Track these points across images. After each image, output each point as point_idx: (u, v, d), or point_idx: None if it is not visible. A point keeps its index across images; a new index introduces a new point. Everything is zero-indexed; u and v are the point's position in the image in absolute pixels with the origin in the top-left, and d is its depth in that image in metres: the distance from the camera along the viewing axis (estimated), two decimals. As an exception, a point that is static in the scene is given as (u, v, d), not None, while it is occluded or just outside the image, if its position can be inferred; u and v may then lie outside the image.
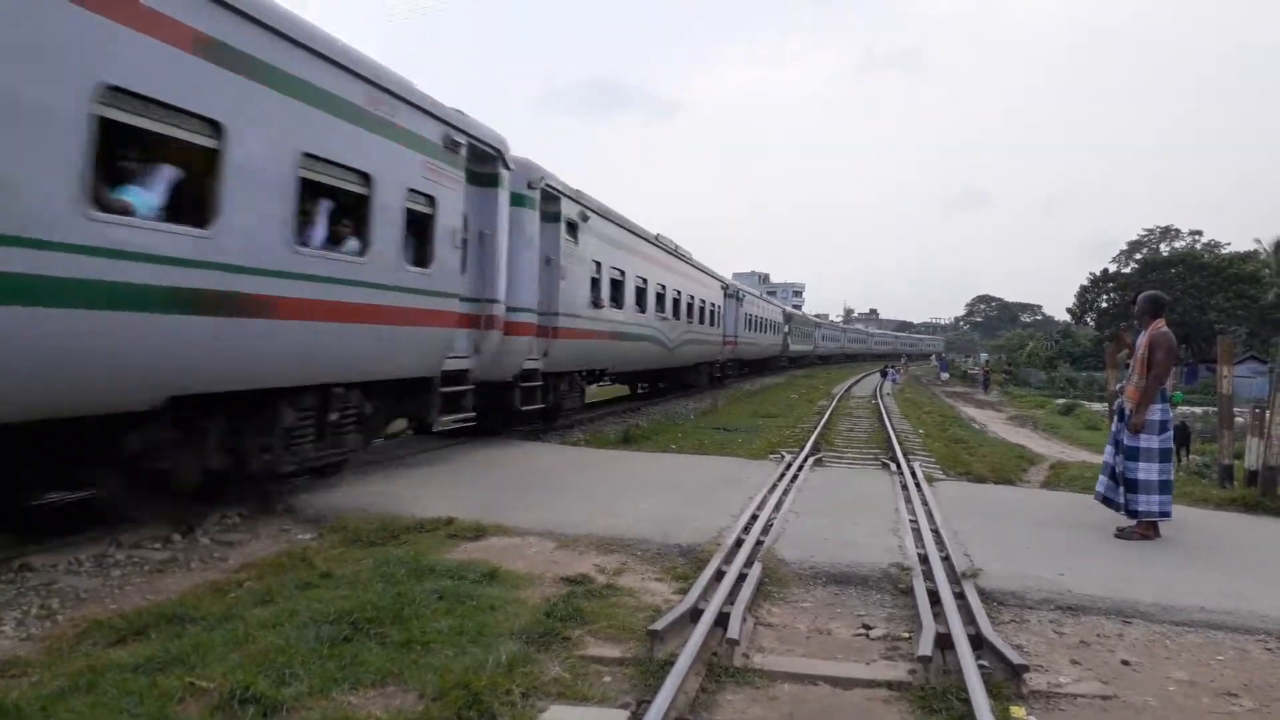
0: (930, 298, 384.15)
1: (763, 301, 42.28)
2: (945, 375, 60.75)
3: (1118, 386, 8.17)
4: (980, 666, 4.21)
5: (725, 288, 29.96)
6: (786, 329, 48.70)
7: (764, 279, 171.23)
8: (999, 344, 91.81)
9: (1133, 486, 7.35)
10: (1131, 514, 7.39)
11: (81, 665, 3.91)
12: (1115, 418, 7.89)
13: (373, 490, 8.12)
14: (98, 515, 6.60)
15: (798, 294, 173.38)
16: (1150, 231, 79.99)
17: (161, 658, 3.95)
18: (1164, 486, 7.33)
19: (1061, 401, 36.94)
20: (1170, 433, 7.62)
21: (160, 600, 4.98)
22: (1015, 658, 4.29)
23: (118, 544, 6.04)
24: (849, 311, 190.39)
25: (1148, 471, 7.29)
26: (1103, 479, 7.84)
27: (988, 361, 61.60)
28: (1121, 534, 7.31)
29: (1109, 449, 7.84)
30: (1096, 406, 32.37)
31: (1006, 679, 4.20)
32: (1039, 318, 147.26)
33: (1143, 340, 7.46)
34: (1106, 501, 7.73)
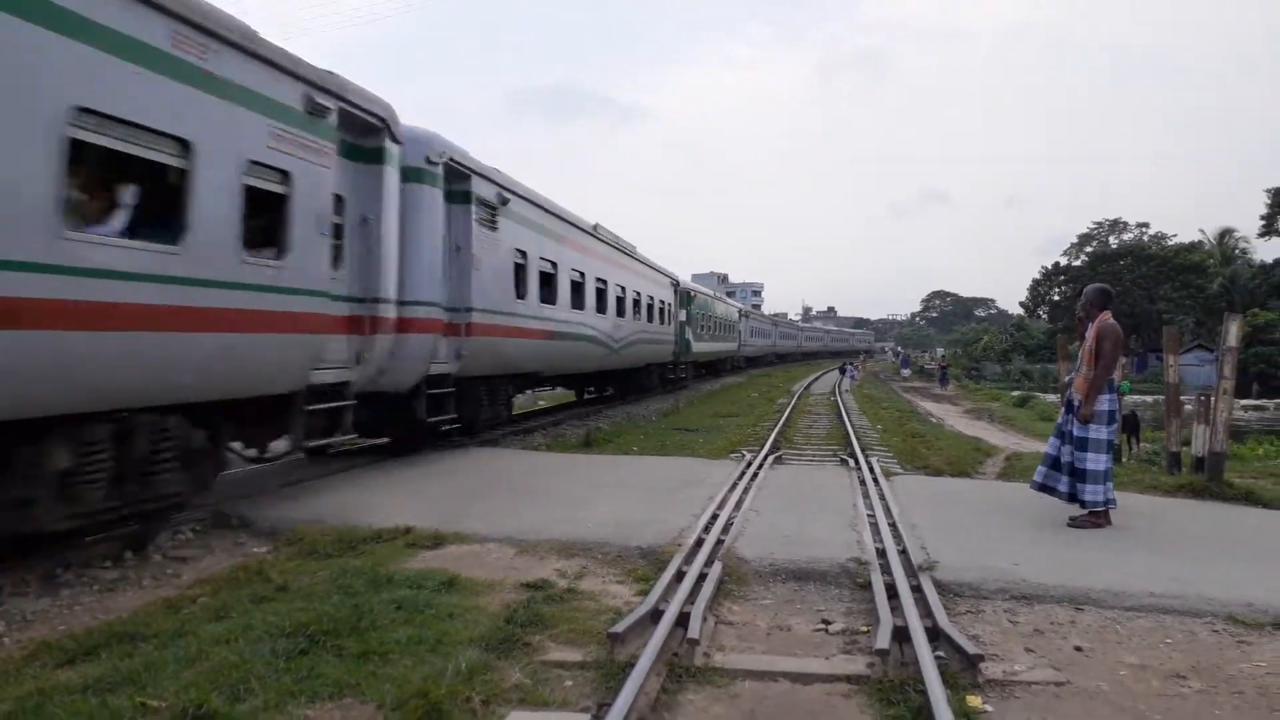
0: (887, 295, 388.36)
1: (718, 301, 40.90)
2: (906, 372, 60.16)
3: (1067, 379, 8.32)
4: (937, 657, 4.27)
5: (675, 285, 28.62)
6: (741, 328, 47.52)
7: (723, 279, 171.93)
8: (954, 339, 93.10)
9: (1081, 476, 7.50)
10: (1081, 504, 7.53)
11: (30, 688, 3.82)
12: (1064, 409, 8.04)
13: (330, 501, 8.03)
14: (45, 535, 6.43)
15: (756, 293, 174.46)
16: (1099, 225, 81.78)
17: (112, 678, 3.86)
18: (1108, 475, 7.51)
19: (1017, 394, 37.62)
20: (1117, 424, 7.81)
21: (111, 619, 4.88)
22: (971, 648, 4.35)
23: (66, 564, 5.90)
24: (807, 309, 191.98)
25: (1095, 461, 7.44)
26: (1041, 468, 7.99)
27: (944, 356, 61.82)
28: (1074, 523, 7.46)
29: (1053, 440, 7.97)
30: (1050, 398, 33.00)
31: (963, 669, 4.26)
32: (993, 311, 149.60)
33: (1090, 332, 7.61)
34: (1044, 489, 7.89)
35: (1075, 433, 7.59)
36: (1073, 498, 7.62)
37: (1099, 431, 7.48)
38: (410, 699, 3.68)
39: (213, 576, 5.78)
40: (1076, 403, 7.61)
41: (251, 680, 3.82)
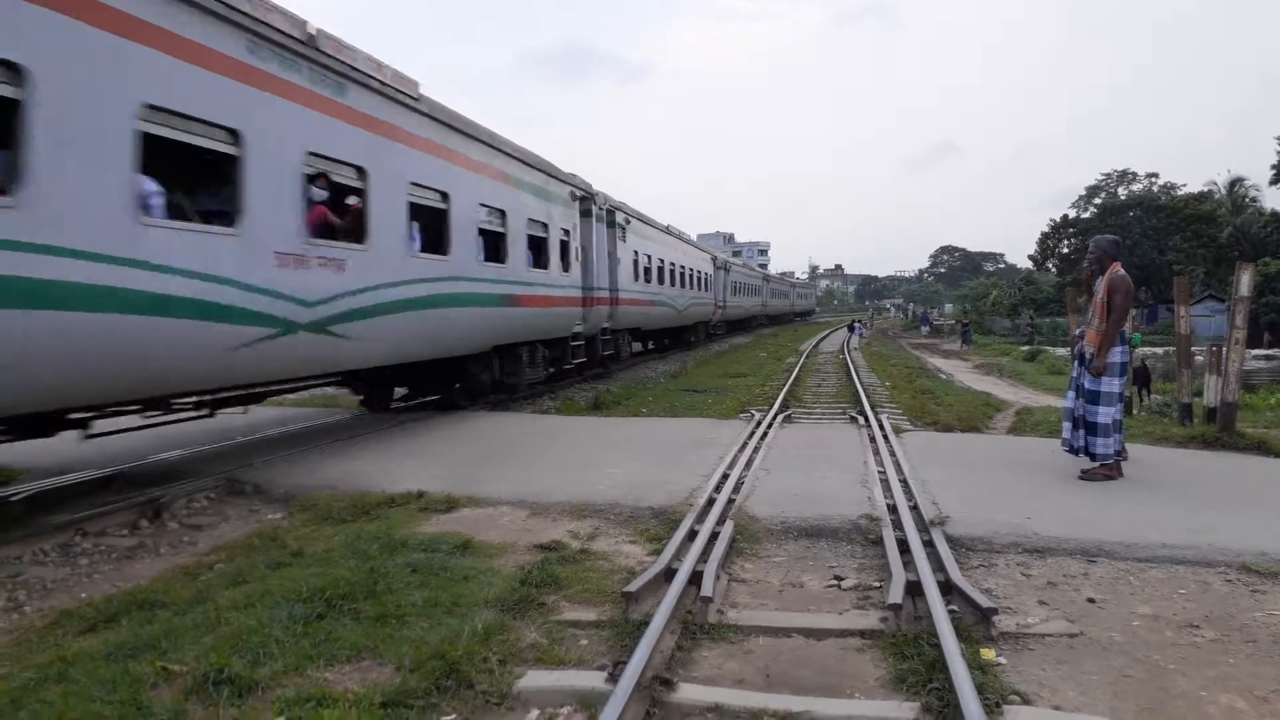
0: (895, 251, 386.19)
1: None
2: (926, 329, 57.80)
3: (1078, 331, 8.24)
4: (950, 611, 4.28)
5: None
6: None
7: (729, 239, 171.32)
8: (963, 294, 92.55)
9: (1093, 429, 7.47)
10: (1092, 456, 7.51)
11: (51, 655, 3.88)
12: (1076, 362, 7.98)
13: (342, 467, 8.07)
14: (58, 503, 6.49)
15: (763, 253, 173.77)
16: (1108, 176, 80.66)
17: (132, 644, 3.91)
18: (1118, 426, 7.48)
19: (1026, 348, 37.47)
20: (1127, 376, 7.75)
21: (130, 587, 4.93)
22: (984, 601, 4.37)
23: (83, 532, 5.95)
24: (814, 268, 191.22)
25: (1107, 415, 7.40)
26: (1067, 426, 7.87)
27: (966, 312, 59.52)
28: (1085, 475, 7.45)
29: (1070, 394, 7.90)
30: (1060, 351, 32.85)
31: (976, 622, 4.28)
32: (1002, 266, 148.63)
33: (1101, 284, 7.54)
34: (1075, 450, 7.79)
35: (1087, 385, 7.54)
36: (1085, 450, 7.60)
37: (1110, 384, 7.44)
38: (428, 660, 3.71)
39: (229, 543, 5.84)
40: (1088, 356, 7.56)
41: (270, 644, 3.86)
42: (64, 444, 7.29)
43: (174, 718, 3.25)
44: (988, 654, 3.97)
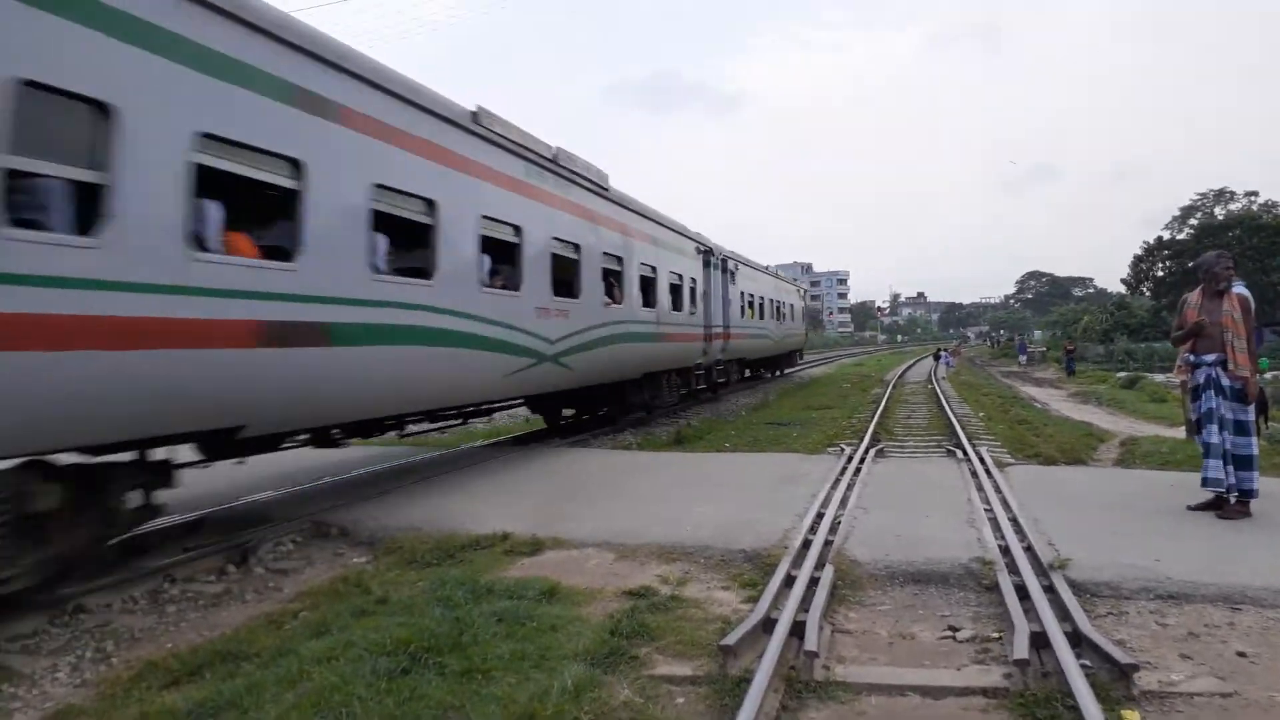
0: (979, 278, 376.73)
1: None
2: (1024, 360, 54.54)
3: (1189, 357, 7.38)
4: (1083, 666, 3.89)
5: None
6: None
7: (807, 269, 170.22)
8: (1052, 320, 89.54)
9: (1246, 464, 6.79)
10: (1242, 493, 6.86)
11: (134, 712, 3.78)
12: (1208, 392, 7.15)
13: (426, 508, 7.96)
14: (149, 548, 6.51)
15: (841, 282, 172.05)
16: (1203, 196, 77.59)
17: (214, 701, 3.79)
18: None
19: (1123, 375, 35.84)
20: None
21: (214, 637, 4.85)
22: (1121, 655, 3.95)
23: (171, 579, 5.93)
24: (895, 296, 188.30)
25: (1251, 445, 6.81)
26: (1214, 464, 6.94)
27: (1071, 338, 56.03)
28: (1224, 514, 6.83)
29: (1210, 428, 7.00)
30: (1159, 378, 31.32)
31: (1113, 679, 3.87)
32: (1091, 291, 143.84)
33: (1232, 301, 6.92)
34: (1217, 487, 6.96)
35: (1231, 416, 6.88)
36: (1236, 487, 6.91)
37: (1248, 413, 6.85)
38: (516, 721, 3.49)
39: (313, 589, 5.73)
40: (1227, 383, 6.90)
41: (353, 703, 3.69)
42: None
43: (253, 785, 3.09)
44: (1131, 716, 3.58)
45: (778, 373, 34.37)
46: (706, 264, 20.24)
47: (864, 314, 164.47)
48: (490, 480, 9.58)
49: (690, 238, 19.03)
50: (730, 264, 22.73)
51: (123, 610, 5.39)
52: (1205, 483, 7.03)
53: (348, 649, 4.35)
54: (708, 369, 20.24)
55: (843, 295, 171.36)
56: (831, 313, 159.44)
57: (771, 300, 29.67)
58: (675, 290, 17.43)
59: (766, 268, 30.26)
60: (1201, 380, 7.12)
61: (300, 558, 6.64)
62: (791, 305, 35.05)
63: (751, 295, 25.86)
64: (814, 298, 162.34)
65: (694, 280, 18.90)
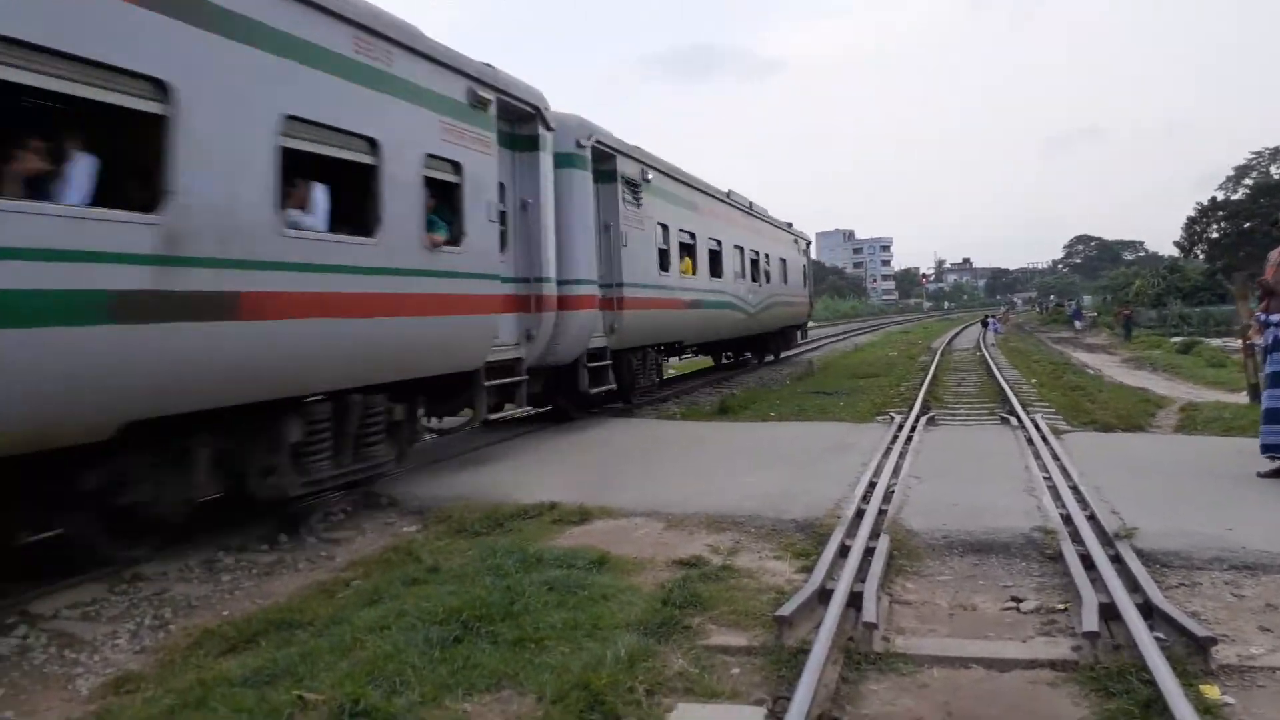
0: (1026, 243, 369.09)
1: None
2: (1080, 325, 52.62)
3: (1263, 317, 7.18)
4: (1157, 639, 3.73)
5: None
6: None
7: (849, 235, 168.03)
8: (1102, 285, 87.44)
9: None
10: None
11: (192, 679, 3.79)
12: (1269, 354, 7.01)
13: (474, 478, 7.97)
14: (206, 517, 6.56)
15: (885, 248, 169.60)
16: (1258, 155, 74.53)
17: (270, 669, 3.79)
18: None
19: (1178, 339, 34.91)
20: None
21: (268, 605, 4.87)
22: (1197, 628, 3.79)
23: (226, 548, 5.98)
24: (940, 262, 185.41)
25: None
26: (1273, 430, 6.87)
27: (1127, 303, 53.96)
28: None
29: (1275, 392, 6.90)
30: (1216, 342, 30.45)
31: (1189, 653, 3.71)
32: (1142, 254, 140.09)
33: None
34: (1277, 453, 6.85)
35: None
36: None
37: None
38: (571, 690, 3.45)
39: (364, 558, 5.75)
40: None
41: (407, 671, 3.67)
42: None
43: (311, 753, 3.08)
44: (1211, 692, 3.42)
45: (766, 358, 23.99)
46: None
47: (909, 281, 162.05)
48: (535, 451, 9.57)
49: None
50: (625, 166, 12.46)
51: (179, 579, 5.44)
52: (1265, 449, 6.82)
53: (400, 617, 4.34)
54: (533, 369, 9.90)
55: (886, 263, 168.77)
56: (875, 280, 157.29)
57: (742, 249, 19.15)
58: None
59: (729, 194, 18.77)
60: (1269, 341, 6.88)
61: (352, 527, 6.67)
62: (783, 260, 23.40)
63: (692, 235, 15.79)
64: (857, 265, 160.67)
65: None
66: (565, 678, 3.56)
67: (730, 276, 18.03)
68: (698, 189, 16.45)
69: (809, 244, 28.06)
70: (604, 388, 11.79)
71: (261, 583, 5.43)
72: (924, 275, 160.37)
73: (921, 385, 16.17)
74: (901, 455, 8.25)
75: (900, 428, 10.05)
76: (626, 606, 4.44)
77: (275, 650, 4.06)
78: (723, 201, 18.10)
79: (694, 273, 15.73)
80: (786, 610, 4.11)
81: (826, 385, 17.62)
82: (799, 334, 28.00)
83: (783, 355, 25.53)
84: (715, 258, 17.16)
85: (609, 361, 11.90)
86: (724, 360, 23.21)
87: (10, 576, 5.14)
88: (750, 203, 20.58)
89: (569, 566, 5.09)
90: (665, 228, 14.35)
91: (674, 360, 22.53)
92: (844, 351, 30.58)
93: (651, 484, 7.41)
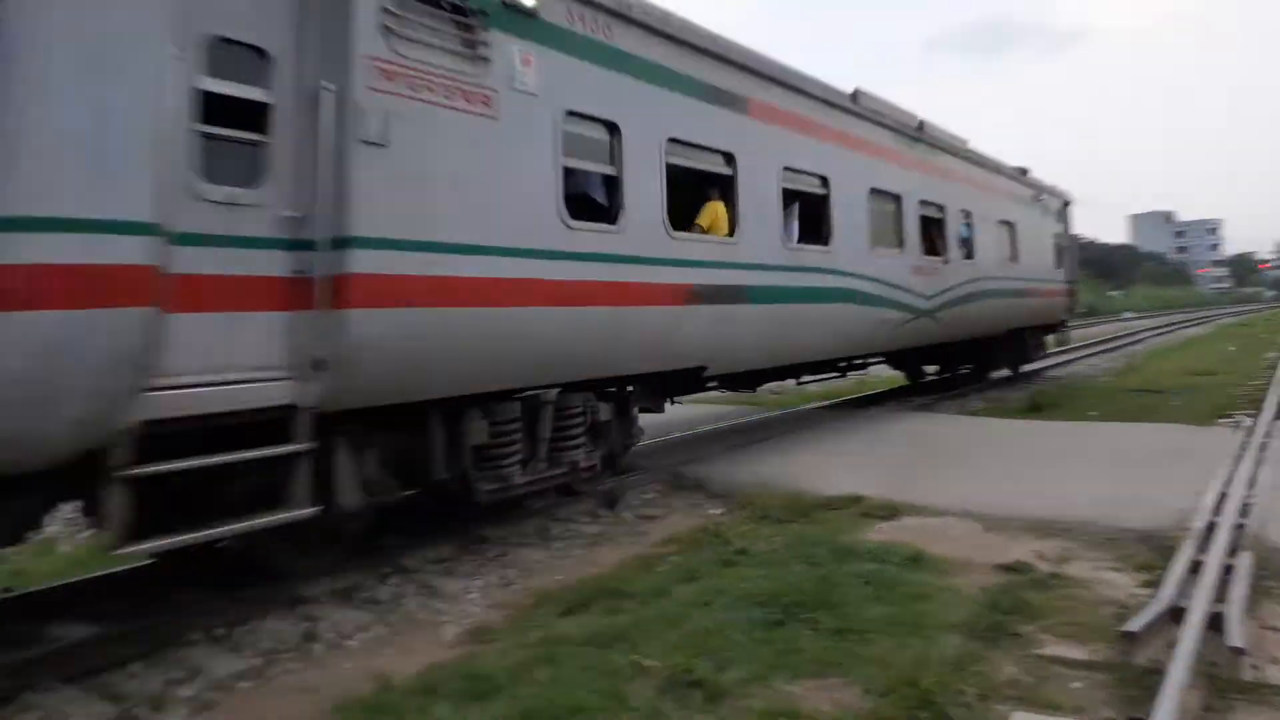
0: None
1: None
2: None
3: None
4: None
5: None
6: None
7: (1168, 218, 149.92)
8: None
9: None
10: None
11: (539, 636, 4.18)
12: None
13: (773, 465, 8.06)
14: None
15: (1212, 231, 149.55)
16: None
17: (606, 633, 4.09)
18: None
19: None
20: None
21: (596, 573, 5.26)
22: None
23: (554, 518, 6.53)
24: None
25: None
26: None
27: None
28: None
29: None
30: None
31: None
32: None
33: None
34: None
35: None
36: None
37: None
38: (898, 686, 3.43)
39: (676, 536, 6.02)
40: None
41: (732, 648, 3.82)
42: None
43: (653, 716, 3.29)
44: None
45: (990, 374, 16.30)
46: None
47: (1244, 267, 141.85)
48: (830, 441, 9.51)
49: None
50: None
51: (518, 543, 6.01)
52: None
53: (718, 595, 4.52)
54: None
55: (1214, 247, 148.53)
56: (1203, 267, 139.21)
57: (899, 197, 11.18)
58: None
59: (854, 96, 10.46)
60: None
61: (663, 506, 7.02)
62: (1009, 225, 15.31)
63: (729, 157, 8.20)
64: (1180, 249, 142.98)
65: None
66: (892, 673, 3.54)
67: (850, 243, 9.88)
68: (763, 74, 8.62)
69: (1066, 205, 19.29)
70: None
71: (588, 552, 5.87)
72: (1262, 261, 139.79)
73: (1270, 384, 14.15)
74: (1258, 464, 7.28)
75: (1250, 433, 8.87)
76: (948, 607, 4.32)
77: (607, 616, 4.38)
78: (833, 106, 9.89)
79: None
80: (1135, 626, 3.80)
81: (1151, 383, 15.91)
82: (1049, 337, 19.44)
83: (1022, 369, 17.46)
84: (820, 207, 9.55)
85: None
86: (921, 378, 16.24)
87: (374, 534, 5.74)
88: (920, 121, 12.25)
89: (882, 561, 5.02)
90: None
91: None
92: (1169, 346, 27.42)
93: (963, 482, 7.11)
